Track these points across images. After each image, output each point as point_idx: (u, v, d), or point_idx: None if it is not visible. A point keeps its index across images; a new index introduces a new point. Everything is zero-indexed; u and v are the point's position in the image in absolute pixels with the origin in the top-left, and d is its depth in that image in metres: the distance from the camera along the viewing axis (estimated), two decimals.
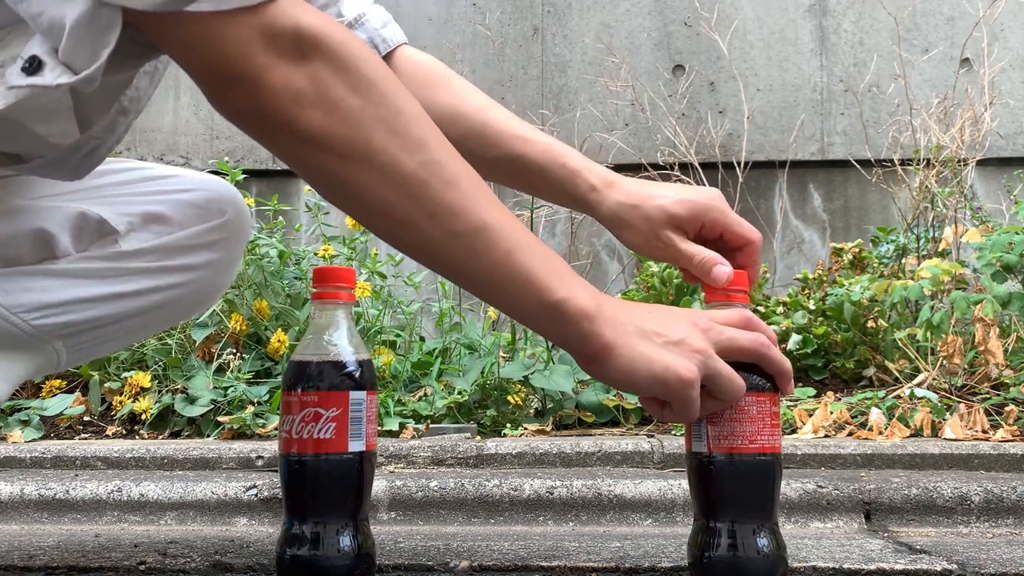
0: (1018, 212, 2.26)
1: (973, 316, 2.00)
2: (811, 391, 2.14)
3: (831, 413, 1.87)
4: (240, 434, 1.94)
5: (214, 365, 2.18)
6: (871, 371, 2.25)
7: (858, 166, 3.12)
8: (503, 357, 2.23)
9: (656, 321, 0.76)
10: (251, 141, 0.66)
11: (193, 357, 2.22)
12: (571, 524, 1.38)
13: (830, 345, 2.31)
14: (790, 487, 1.37)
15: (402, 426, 1.94)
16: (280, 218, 2.60)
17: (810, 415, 1.88)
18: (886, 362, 2.19)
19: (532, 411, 2.06)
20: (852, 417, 1.89)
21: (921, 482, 1.39)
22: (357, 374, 0.83)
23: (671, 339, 0.75)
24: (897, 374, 2.14)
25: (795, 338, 2.29)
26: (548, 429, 1.99)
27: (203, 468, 1.66)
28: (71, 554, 1.07)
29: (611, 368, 0.74)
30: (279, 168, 3.32)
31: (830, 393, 2.09)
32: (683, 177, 3.02)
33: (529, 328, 0.81)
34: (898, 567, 0.97)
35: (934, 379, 2.04)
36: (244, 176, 2.54)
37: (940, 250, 2.59)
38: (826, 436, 1.81)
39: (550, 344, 2.20)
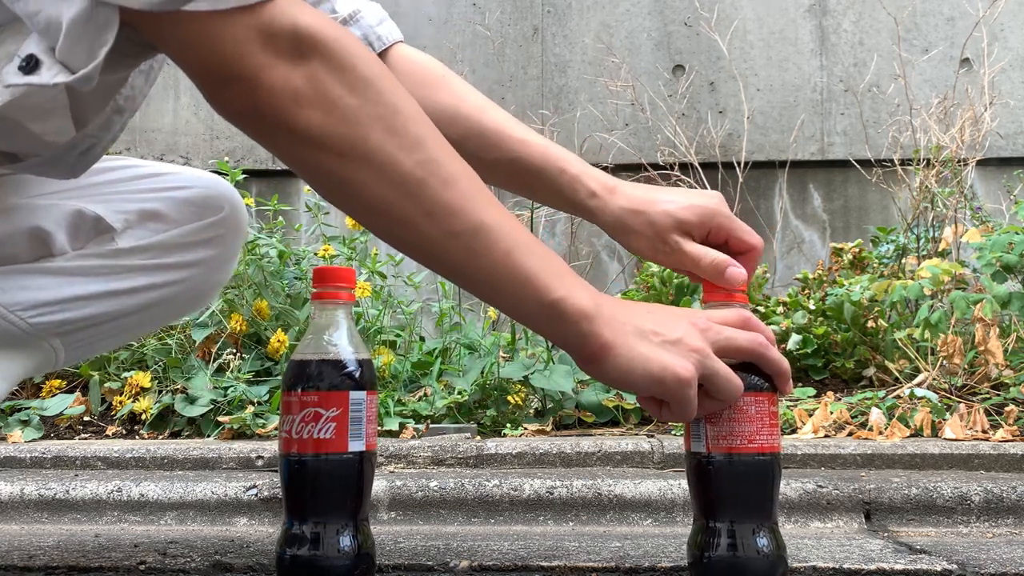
0: (1018, 212, 2.26)
1: (973, 316, 2.00)
2: (811, 391, 2.14)
3: (831, 413, 1.87)
4: (240, 434, 1.94)
5: (214, 365, 2.18)
6: (871, 371, 2.25)
7: (858, 166, 3.12)
8: (503, 357, 2.23)
9: (655, 321, 0.76)
10: (251, 141, 0.66)
11: (193, 357, 2.22)
12: (571, 524, 1.38)
13: (830, 345, 2.31)
14: (790, 487, 1.37)
15: (402, 426, 1.94)
16: (280, 218, 2.60)
17: (810, 415, 1.88)
18: (886, 362, 2.19)
19: (532, 411, 2.06)
20: (852, 417, 1.89)
21: (921, 482, 1.38)
22: (357, 374, 0.83)
23: (669, 338, 0.75)
24: (897, 374, 2.14)
25: (795, 338, 2.29)
26: (548, 429, 1.99)
27: (203, 468, 1.66)
28: (71, 554, 1.07)
29: (609, 368, 0.74)
30: (279, 168, 3.32)
31: (830, 393, 2.09)
32: (683, 177, 3.02)
33: (528, 328, 0.81)
34: (898, 567, 0.97)
35: (934, 379, 2.04)
36: (244, 176, 2.54)
37: (940, 250, 2.59)
38: (826, 436, 1.81)
39: (550, 344, 2.20)
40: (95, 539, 1.22)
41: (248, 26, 0.64)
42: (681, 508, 1.38)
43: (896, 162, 2.84)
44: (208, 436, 2.01)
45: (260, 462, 1.65)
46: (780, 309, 2.43)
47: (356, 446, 0.82)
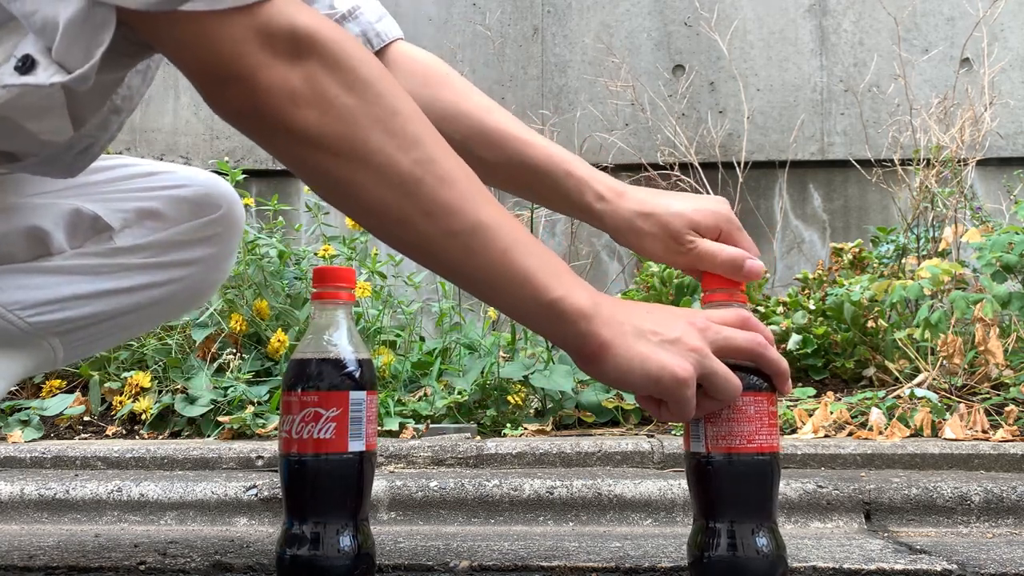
0: (1018, 212, 2.26)
1: (973, 316, 2.00)
2: (811, 391, 2.14)
3: (831, 413, 1.87)
4: (240, 434, 1.94)
5: (214, 365, 2.18)
6: (871, 371, 2.24)
7: (858, 166, 3.11)
8: (503, 357, 2.23)
9: (653, 320, 0.76)
10: (251, 141, 0.66)
11: (193, 357, 2.22)
12: (571, 524, 1.38)
13: (830, 345, 2.31)
14: (790, 487, 1.37)
15: (402, 426, 1.94)
16: (280, 218, 2.60)
17: (810, 415, 1.88)
18: (886, 362, 2.19)
19: (532, 411, 2.06)
20: (852, 417, 1.89)
21: (921, 482, 1.38)
22: (357, 374, 0.83)
23: (667, 338, 0.75)
24: (897, 374, 2.14)
25: (795, 338, 2.29)
26: (548, 429, 1.99)
27: (203, 468, 1.66)
28: (71, 554, 1.07)
29: (608, 367, 0.74)
30: (279, 168, 3.32)
31: (830, 393, 2.09)
32: (683, 177, 3.02)
33: (527, 327, 0.81)
34: (898, 567, 0.97)
35: (934, 379, 2.03)
36: (244, 176, 2.54)
37: (940, 250, 2.59)
38: (826, 436, 1.80)
39: (550, 344, 2.20)
40: (95, 539, 1.22)
41: (245, 26, 0.64)
42: (681, 508, 1.38)
43: (896, 162, 2.84)
44: (208, 436, 2.01)
45: (260, 462, 1.65)
46: (780, 309, 2.43)
47: (356, 446, 0.82)
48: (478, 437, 1.85)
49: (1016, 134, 3.30)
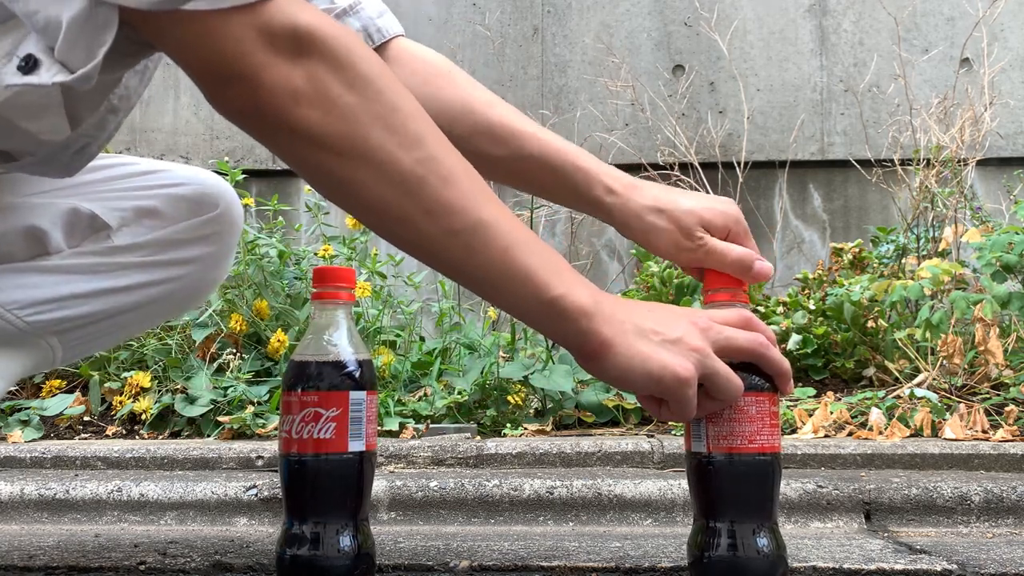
0: (1018, 212, 2.26)
1: (973, 316, 2.00)
2: (811, 391, 2.14)
3: (831, 413, 1.87)
4: (240, 434, 1.94)
5: (214, 365, 2.18)
6: (871, 371, 2.24)
7: (858, 166, 3.11)
8: (503, 357, 2.23)
9: (655, 319, 0.76)
10: (251, 141, 0.66)
11: (193, 357, 2.22)
12: (571, 524, 1.38)
13: (830, 345, 2.31)
14: (790, 487, 1.37)
15: (402, 426, 1.94)
16: (280, 218, 2.59)
17: (810, 415, 1.88)
18: (886, 362, 2.19)
19: (532, 411, 2.06)
20: (852, 417, 1.89)
21: (921, 482, 1.38)
22: (357, 374, 0.83)
23: (669, 337, 0.75)
24: (897, 374, 2.14)
25: (795, 338, 2.29)
26: (548, 429, 1.99)
27: (203, 468, 1.66)
28: (71, 554, 1.07)
29: (608, 366, 0.74)
30: (279, 168, 3.32)
31: (830, 393, 2.09)
32: (683, 177, 3.02)
33: (528, 325, 0.81)
34: (898, 567, 0.97)
35: (934, 379, 2.03)
36: (244, 176, 2.54)
37: (940, 250, 2.59)
38: (826, 436, 1.80)
39: (550, 344, 2.20)
40: (95, 539, 1.22)
41: (247, 25, 0.64)
42: (681, 508, 1.38)
43: (896, 162, 2.84)
44: (208, 436, 2.01)
45: (260, 462, 1.65)
46: (780, 309, 2.43)
47: (356, 446, 0.82)
48: (478, 437, 1.85)
49: (1016, 134, 3.30)
